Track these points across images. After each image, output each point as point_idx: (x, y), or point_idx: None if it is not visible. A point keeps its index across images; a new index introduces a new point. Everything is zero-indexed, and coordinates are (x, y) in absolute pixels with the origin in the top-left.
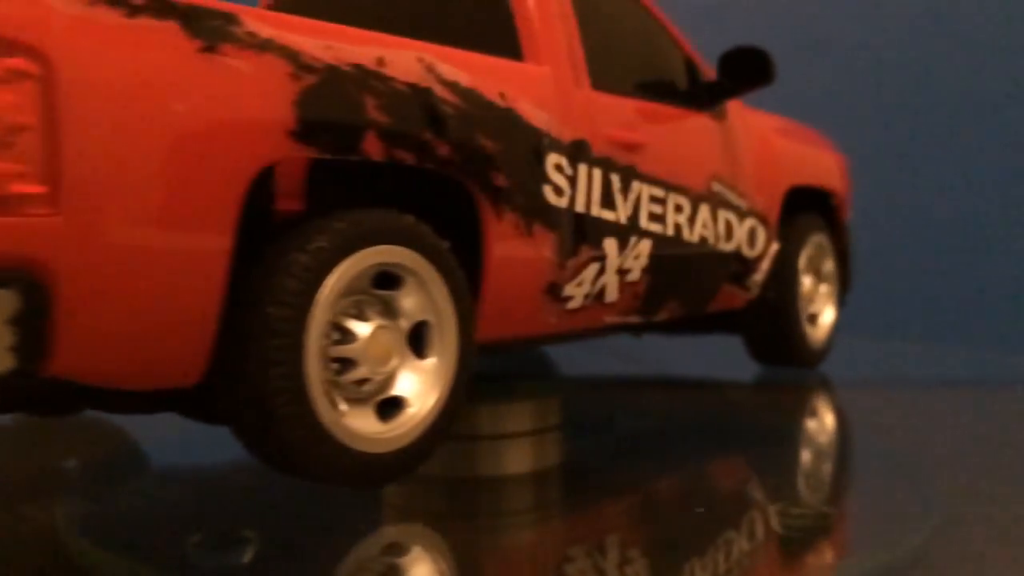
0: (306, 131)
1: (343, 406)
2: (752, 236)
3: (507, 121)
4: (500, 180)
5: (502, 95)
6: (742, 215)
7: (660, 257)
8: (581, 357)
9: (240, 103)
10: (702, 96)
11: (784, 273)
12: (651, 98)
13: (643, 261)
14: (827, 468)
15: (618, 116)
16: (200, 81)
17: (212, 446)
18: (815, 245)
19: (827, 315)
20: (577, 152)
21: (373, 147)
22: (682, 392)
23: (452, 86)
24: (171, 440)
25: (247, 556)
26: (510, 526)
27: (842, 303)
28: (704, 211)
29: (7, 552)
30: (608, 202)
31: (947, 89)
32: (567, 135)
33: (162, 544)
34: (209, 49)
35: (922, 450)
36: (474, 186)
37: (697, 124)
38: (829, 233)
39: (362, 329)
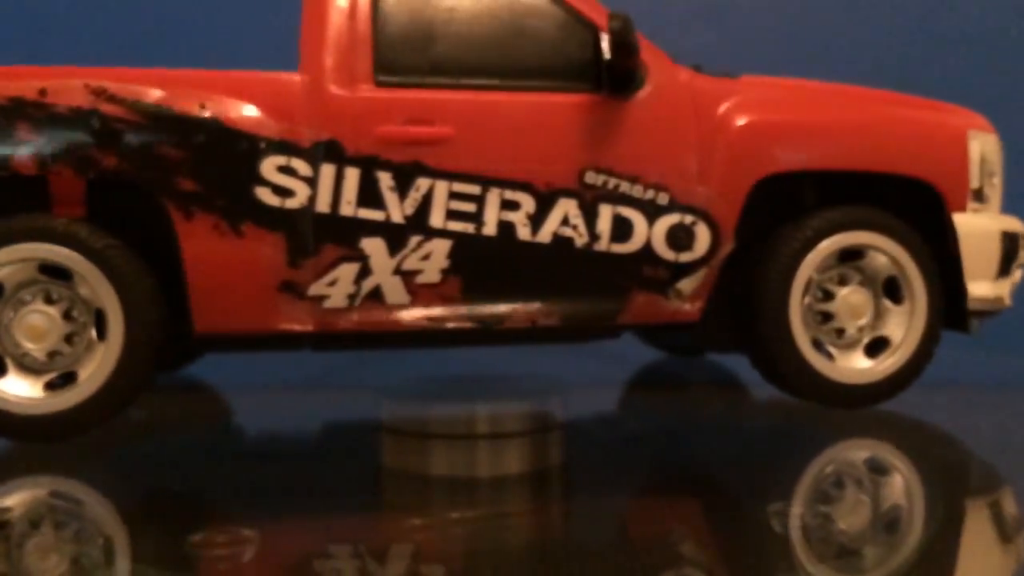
0: None
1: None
2: (680, 235)
3: (202, 130)
4: (188, 185)
5: (202, 106)
6: (657, 210)
7: (475, 258)
8: (584, 360)
9: None
10: (597, 77)
11: (761, 282)
12: (486, 87)
13: (441, 262)
14: (827, 468)
15: (406, 111)
16: None
17: (213, 445)
18: (871, 248)
19: (904, 342)
20: (321, 153)
21: (24, 164)
22: (684, 394)
23: (131, 104)
24: (173, 439)
25: (247, 555)
26: (510, 526)
27: (961, 326)
28: (566, 207)
29: (8, 551)
30: (370, 201)
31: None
32: (308, 137)
33: (163, 543)
34: None
35: (922, 449)
36: (158, 191)
37: (564, 108)
38: (908, 235)
39: (21, 312)
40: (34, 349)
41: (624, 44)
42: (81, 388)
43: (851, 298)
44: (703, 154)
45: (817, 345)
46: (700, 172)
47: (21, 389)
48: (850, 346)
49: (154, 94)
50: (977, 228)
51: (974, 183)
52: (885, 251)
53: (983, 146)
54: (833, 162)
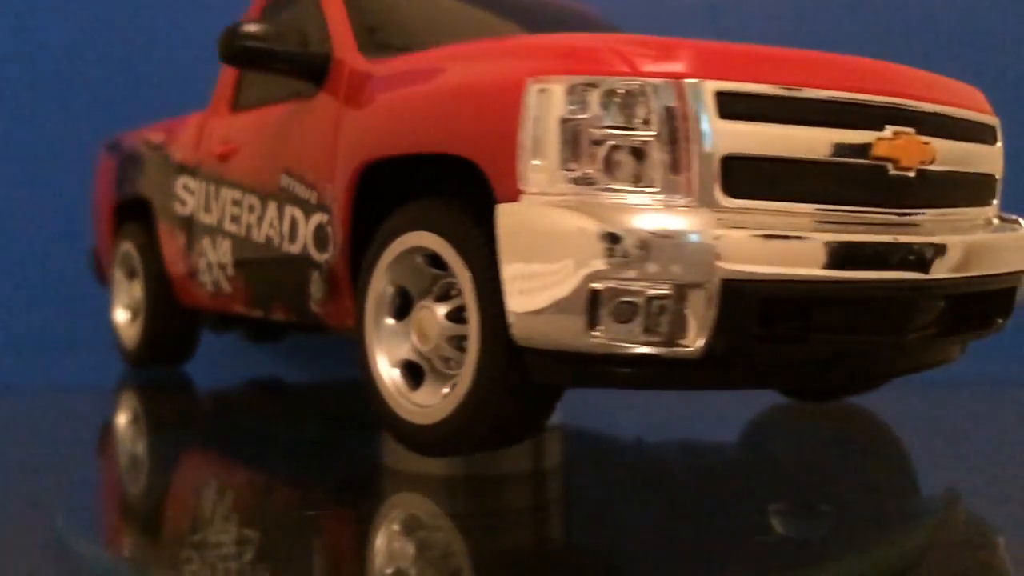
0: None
1: None
2: (321, 235)
3: (161, 161)
4: (159, 200)
5: (165, 144)
6: (310, 210)
7: (240, 256)
8: None
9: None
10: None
11: (357, 292)
12: (270, 102)
13: (228, 258)
14: (827, 468)
15: (227, 132)
16: None
17: (213, 444)
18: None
19: (462, 374)
20: (194, 172)
21: (131, 189)
22: (681, 393)
23: (152, 146)
24: (173, 437)
25: (246, 556)
26: (510, 526)
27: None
28: (272, 209)
29: (9, 552)
30: (207, 208)
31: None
32: (192, 160)
33: (163, 543)
34: None
35: (922, 450)
36: (151, 205)
37: (280, 115)
38: (464, 235)
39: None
40: None
41: (235, 52)
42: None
43: (419, 315)
44: (335, 144)
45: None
46: (332, 165)
47: None
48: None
49: (160, 138)
50: (524, 226)
51: (534, 158)
52: (444, 256)
53: (575, 99)
54: (399, 146)
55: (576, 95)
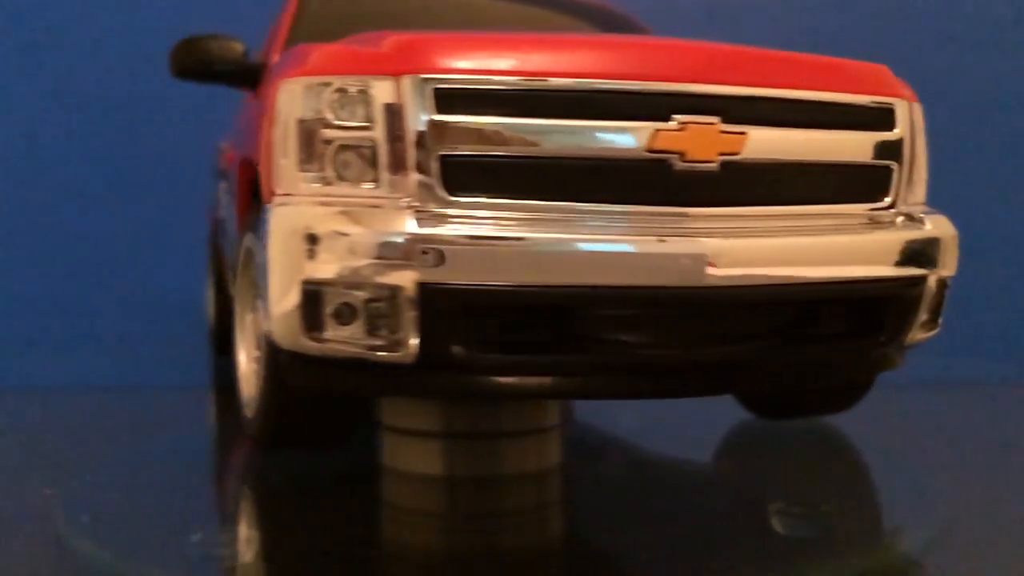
0: None
1: None
2: None
3: (218, 166)
4: (216, 204)
5: (223, 150)
6: None
7: (231, 258)
8: None
9: None
10: None
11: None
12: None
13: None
14: (827, 468)
15: (233, 139)
16: None
17: (215, 443)
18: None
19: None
20: (223, 176)
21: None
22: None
23: (220, 152)
24: (173, 437)
25: (247, 555)
26: (510, 526)
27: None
28: (235, 211)
29: (9, 552)
30: (227, 213)
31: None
32: (224, 165)
33: (163, 543)
34: None
35: (922, 450)
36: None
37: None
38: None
39: None
40: None
41: (180, 66)
42: None
43: (256, 315)
44: None
45: None
46: None
47: None
48: None
49: (223, 146)
50: (270, 229)
51: (281, 159)
52: (258, 258)
53: (311, 99)
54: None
55: (312, 95)
